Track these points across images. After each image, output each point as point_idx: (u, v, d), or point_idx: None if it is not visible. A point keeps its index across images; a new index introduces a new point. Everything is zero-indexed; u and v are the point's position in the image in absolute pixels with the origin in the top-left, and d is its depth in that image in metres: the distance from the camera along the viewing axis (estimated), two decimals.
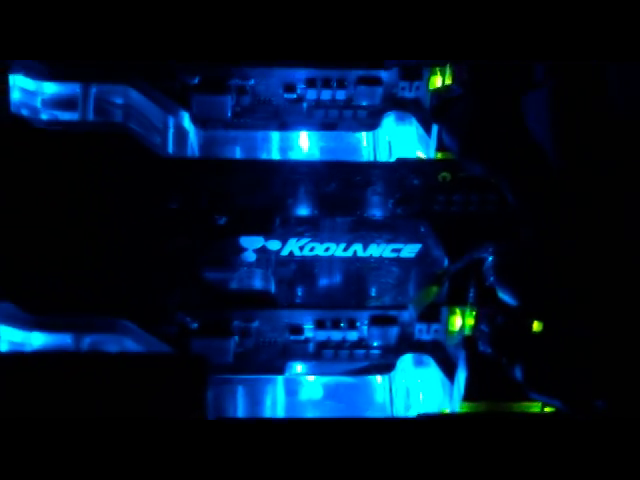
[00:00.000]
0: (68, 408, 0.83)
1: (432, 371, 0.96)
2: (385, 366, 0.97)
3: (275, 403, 0.98)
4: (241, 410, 0.96)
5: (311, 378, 0.98)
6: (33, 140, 0.97)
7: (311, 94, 1.02)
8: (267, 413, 0.97)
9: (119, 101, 1.03)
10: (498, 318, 0.90)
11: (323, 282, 0.98)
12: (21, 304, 0.92)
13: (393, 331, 0.94)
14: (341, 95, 1.01)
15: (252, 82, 1.02)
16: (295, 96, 1.02)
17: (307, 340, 0.95)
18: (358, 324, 0.95)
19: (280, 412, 0.97)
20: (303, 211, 0.97)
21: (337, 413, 0.98)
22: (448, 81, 1.01)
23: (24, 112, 0.99)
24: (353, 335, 0.95)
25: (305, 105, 1.03)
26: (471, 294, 0.93)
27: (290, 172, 0.97)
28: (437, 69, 1.01)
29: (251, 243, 0.95)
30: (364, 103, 1.02)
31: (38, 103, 1.02)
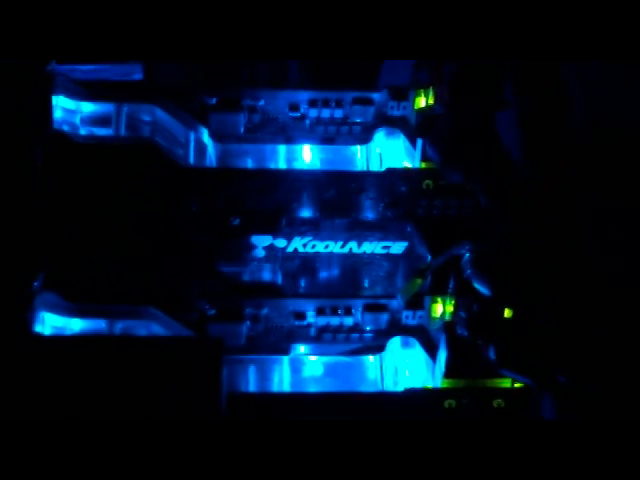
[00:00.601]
0: (102, 383, 0.83)
1: (417, 352, 0.96)
2: (376, 347, 0.97)
3: (281, 380, 0.98)
4: (252, 386, 0.96)
5: (313, 358, 0.98)
6: (73, 152, 0.96)
7: (313, 113, 1.02)
8: (274, 388, 0.97)
9: (147, 119, 1.03)
10: (474, 306, 0.91)
11: (323, 275, 0.98)
12: (63, 294, 0.92)
13: (383, 317, 0.95)
14: (339, 113, 1.02)
15: (262, 102, 1.02)
16: (299, 114, 1.02)
17: (309, 325, 0.96)
18: (353, 311, 0.96)
19: (286, 387, 0.97)
20: (306, 213, 0.97)
21: (335, 388, 0.97)
22: (431, 101, 1.01)
23: (65, 128, 0.99)
24: (349, 321, 0.95)
25: (307, 122, 1.03)
26: (450, 285, 0.94)
27: (294, 180, 0.98)
28: (421, 91, 1.00)
29: (261, 241, 0.96)
30: (358, 120, 1.03)
31: (77, 120, 1.02)
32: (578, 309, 0.87)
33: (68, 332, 0.94)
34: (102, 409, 0.83)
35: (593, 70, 1.05)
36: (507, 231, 0.92)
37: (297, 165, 1.05)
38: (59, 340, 0.92)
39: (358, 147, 1.06)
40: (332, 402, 0.90)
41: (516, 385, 0.90)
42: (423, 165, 0.99)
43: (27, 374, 0.84)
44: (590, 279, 0.88)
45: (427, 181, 0.98)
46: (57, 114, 0.99)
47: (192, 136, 1.03)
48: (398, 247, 0.97)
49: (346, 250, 0.97)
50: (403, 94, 1.02)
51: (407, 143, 1.03)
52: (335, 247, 0.96)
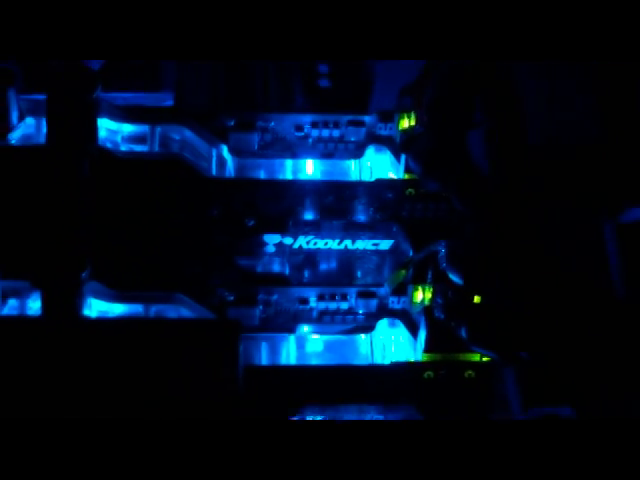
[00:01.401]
0: (139, 357, 0.84)
1: (401, 331, 0.95)
2: (367, 327, 0.96)
3: (288, 354, 0.97)
4: (264, 359, 0.95)
5: (315, 336, 0.97)
6: (115, 165, 0.96)
7: (314, 132, 1.02)
8: (282, 361, 0.96)
9: (176, 137, 1.03)
10: (448, 293, 0.91)
11: (323, 267, 0.98)
12: (107, 283, 0.92)
13: (373, 302, 0.95)
14: (336, 133, 1.03)
15: (272, 124, 1.02)
16: (303, 134, 1.03)
17: (311, 309, 0.95)
18: (348, 297, 0.95)
19: (292, 360, 0.96)
20: (308, 216, 0.98)
21: (333, 361, 0.97)
22: (412, 123, 1.01)
23: (108, 145, 1.00)
24: (344, 305, 0.95)
25: (310, 140, 1.03)
26: (429, 276, 0.93)
27: (299, 188, 0.99)
28: (405, 114, 1.00)
29: (271, 239, 0.96)
30: (352, 139, 1.03)
31: (118, 139, 1.02)
32: (535, 296, 0.89)
33: (110, 315, 0.94)
34: (139, 377, 0.83)
35: (549, 92, 1.05)
36: (476, 231, 0.94)
37: (301, 176, 1.04)
38: (103, 322, 0.92)
39: (352, 161, 1.04)
40: (331, 373, 0.91)
41: (484, 359, 0.90)
42: (406, 176, 1.00)
43: (77, 350, 0.84)
44: (544, 270, 0.90)
45: (409, 189, 0.98)
46: (102, 133, 0.99)
47: (214, 152, 1.02)
48: (385, 244, 0.97)
49: (342, 247, 0.97)
50: (389, 117, 1.02)
51: (393, 158, 1.02)
52: (333, 244, 0.96)
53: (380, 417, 0.89)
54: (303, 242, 0.96)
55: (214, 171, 1.02)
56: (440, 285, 0.92)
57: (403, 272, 0.95)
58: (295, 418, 0.89)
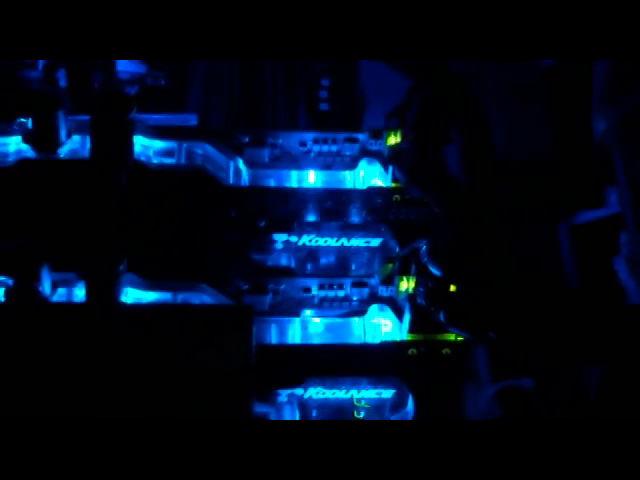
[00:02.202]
0: (167, 336, 0.84)
1: (389, 315, 0.95)
2: (360, 312, 0.95)
3: (294, 334, 0.96)
4: (273, 338, 0.95)
5: (316, 320, 0.96)
6: (148, 176, 0.97)
7: (316, 148, 1.02)
8: (289, 340, 0.95)
9: (200, 152, 1.02)
10: (429, 283, 0.91)
11: (323, 261, 0.98)
12: (141, 274, 0.91)
13: (365, 291, 0.94)
14: (334, 148, 1.02)
15: (280, 141, 1.02)
16: (306, 149, 1.02)
17: (313, 296, 0.95)
18: (344, 286, 0.95)
19: (297, 340, 0.96)
20: (311, 218, 0.97)
21: (331, 340, 0.95)
22: (398, 140, 1.00)
23: (142, 158, 0.99)
24: (341, 293, 0.94)
25: (312, 154, 1.03)
26: (412, 268, 0.93)
27: (303, 195, 0.99)
28: (392, 132, 1.00)
29: (279, 237, 0.95)
30: (348, 153, 1.03)
31: (151, 153, 1.02)
32: (501, 285, 0.90)
33: (144, 301, 0.93)
34: (169, 351, 0.83)
35: (511, 117, 1.07)
36: (452, 230, 0.95)
37: (304, 185, 1.04)
38: (138, 307, 0.92)
39: (347, 172, 1.05)
40: (329, 350, 0.91)
41: (459, 338, 0.90)
42: (393, 185, 1.00)
43: (116, 330, 0.84)
44: (508, 263, 0.92)
45: (396, 196, 0.98)
46: (136, 148, 0.99)
47: (231, 164, 1.02)
48: (375, 242, 0.97)
49: (339, 244, 0.96)
50: (379, 135, 1.02)
51: (382, 169, 1.02)
52: (331, 242, 0.96)
53: (370, 387, 0.88)
54: (306, 240, 0.96)
55: (231, 180, 1.01)
56: (421, 276, 0.91)
57: (390, 265, 0.95)
58: (299, 390, 0.87)
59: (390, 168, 1.00)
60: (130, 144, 0.97)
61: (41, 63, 1.06)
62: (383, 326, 0.96)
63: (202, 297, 0.93)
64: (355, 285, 0.95)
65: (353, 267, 0.97)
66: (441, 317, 0.89)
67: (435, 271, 0.90)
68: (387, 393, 0.88)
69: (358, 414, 0.88)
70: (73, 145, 0.99)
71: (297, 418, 0.87)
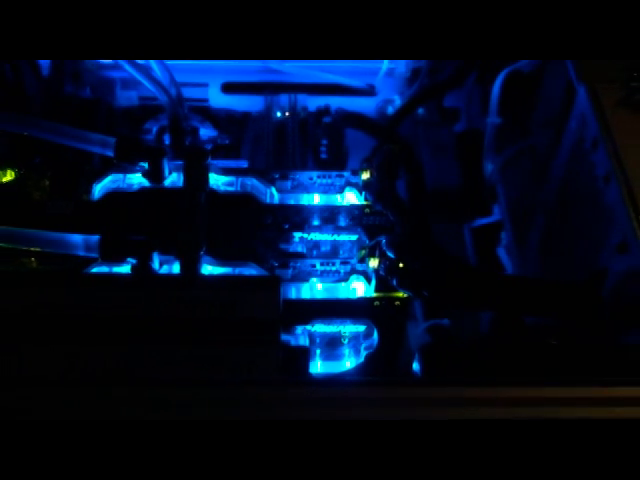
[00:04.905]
0: (229, 293, 0.80)
1: (363, 281, 0.93)
2: (345, 279, 0.94)
3: (306, 293, 0.94)
4: (292, 294, 0.94)
5: (319, 285, 0.94)
6: (217, 198, 0.98)
7: (319, 181, 1.03)
8: (304, 295, 0.94)
9: (249, 183, 1.02)
10: (387, 262, 0.90)
11: (323, 249, 0.96)
12: (214, 256, 0.90)
13: (348, 267, 0.94)
14: (329, 181, 1.02)
15: (297, 176, 1.03)
16: (312, 181, 1.03)
17: (317, 270, 0.94)
18: (336, 264, 0.94)
19: (307, 296, 0.94)
20: (315, 223, 0.98)
21: (328, 296, 0.94)
22: (368, 175, 1.01)
23: (214, 187, 1.00)
24: (334, 268, 0.94)
25: (316, 184, 1.03)
26: (377, 252, 0.92)
27: (311, 209, 0.99)
28: (364, 170, 1.01)
29: (297, 235, 0.96)
30: (338, 184, 1.03)
31: (219, 184, 1.02)
32: (429, 263, 0.88)
33: (215, 273, 0.93)
34: (230, 302, 0.78)
35: (437, 162, 1.16)
36: (400, 230, 0.96)
37: (312, 203, 1.03)
38: (212, 276, 0.91)
39: (338, 195, 1.04)
40: (327, 303, 0.91)
41: (405, 295, 0.90)
42: (365, 202, 1.01)
43: (198, 289, 0.81)
44: (434, 250, 0.91)
45: (367, 209, 1.00)
46: (210, 181, 1.00)
47: (268, 191, 1.02)
48: (354, 237, 0.97)
49: (333, 238, 0.97)
50: (357, 172, 1.03)
51: (358, 194, 1.02)
52: (328, 237, 0.97)
53: (351, 324, 0.87)
54: (313, 236, 0.97)
55: (267, 200, 1.02)
56: (382, 258, 0.91)
57: (363, 251, 0.95)
58: (307, 329, 0.85)
59: (363, 193, 1.02)
60: (207, 178, 0.99)
61: (154, 128, 1.12)
62: (359, 288, 0.96)
63: (250, 270, 0.94)
64: (342, 263, 0.95)
65: (341, 252, 0.98)
66: (394, 282, 0.89)
67: (390, 254, 0.90)
68: (361, 328, 0.89)
69: (344, 340, 0.87)
70: (172, 179, 1.01)
71: (307, 344, 0.85)
